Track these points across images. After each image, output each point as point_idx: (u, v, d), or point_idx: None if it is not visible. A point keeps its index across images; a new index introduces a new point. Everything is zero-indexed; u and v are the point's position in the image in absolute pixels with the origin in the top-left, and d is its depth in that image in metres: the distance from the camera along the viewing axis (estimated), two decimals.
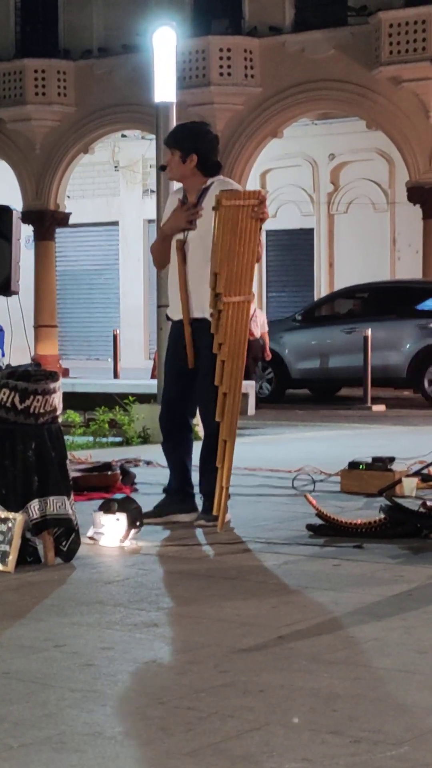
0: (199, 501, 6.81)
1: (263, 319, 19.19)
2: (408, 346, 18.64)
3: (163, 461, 9.04)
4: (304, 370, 19.80)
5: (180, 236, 6.65)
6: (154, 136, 12.26)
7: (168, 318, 6.95)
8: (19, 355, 16.12)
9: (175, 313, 6.77)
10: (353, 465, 7.83)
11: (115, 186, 31.58)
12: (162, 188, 11.39)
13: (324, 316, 20.63)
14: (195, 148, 6.66)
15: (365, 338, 18.18)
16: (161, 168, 6.96)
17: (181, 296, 6.64)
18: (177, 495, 6.79)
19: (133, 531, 5.97)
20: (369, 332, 18.24)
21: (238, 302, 6.49)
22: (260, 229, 6.53)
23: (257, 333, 18.38)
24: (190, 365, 6.68)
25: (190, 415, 6.90)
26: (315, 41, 24.69)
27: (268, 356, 18.81)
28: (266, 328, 18.94)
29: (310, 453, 10.25)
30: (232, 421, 6.47)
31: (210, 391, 6.49)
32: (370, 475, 7.65)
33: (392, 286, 21.34)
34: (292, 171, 28.54)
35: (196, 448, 6.90)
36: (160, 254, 6.85)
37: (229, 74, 25.15)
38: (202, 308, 6.59)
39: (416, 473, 7.67)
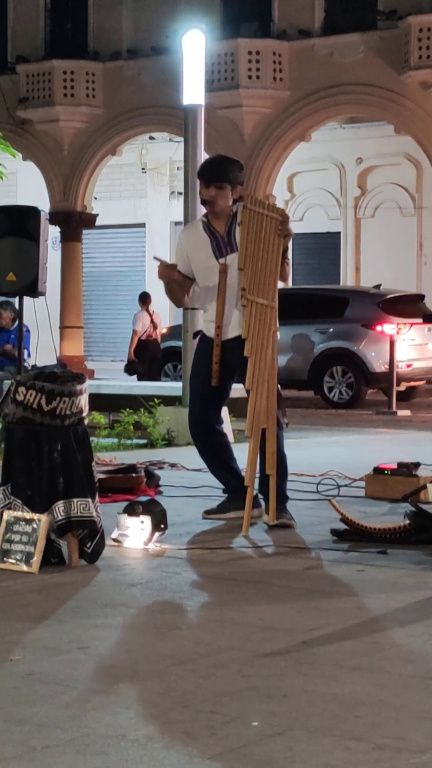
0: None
1: (159, 320, 22.14)
2: (309, 349, 19.67)
3: (189, 464, 9.09)
4: None
5: (222, 260, 6.83)
6: (181, 139, 12.26)
7: (198, 335, 7.10)
8: (44, 355, 16.15)
9: (211, 330, 6.94)
10: (378, 470, 7.82)
11: (142, 188, 31.60)
12: (190, 191, 11.39)
13: None
14: (240, 179, 6.87)
15: (391, 343, 18.24)
16: (203, 202, 7.03)
17: (217, 318, 6.83)
18: (237, 492, 6.84)
19: (157, 534, 5.98)
20: (395, 336, 18.29)
21: (262, 304, 6.72)
22: (286, 248, 6.71)
23: (156, 333, 21.63)
24: (215, 382, 6.86)
25: (217, 423, 7.10)
26: (344, 45, 24.64)
27: None
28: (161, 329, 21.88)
29: (334, 457, 10.23)
30: (254, 420, 6.57)
31: None
32: (395, 480, 7.64)
33: (298, 292, 22.04)
34: (319, 174, 28.50)
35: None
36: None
37: (257, 77, 25.12)
38: (240, 326, 6.79)
39: None
